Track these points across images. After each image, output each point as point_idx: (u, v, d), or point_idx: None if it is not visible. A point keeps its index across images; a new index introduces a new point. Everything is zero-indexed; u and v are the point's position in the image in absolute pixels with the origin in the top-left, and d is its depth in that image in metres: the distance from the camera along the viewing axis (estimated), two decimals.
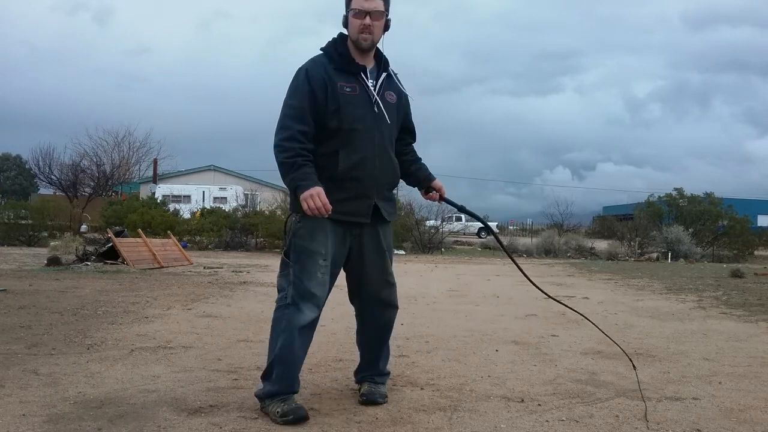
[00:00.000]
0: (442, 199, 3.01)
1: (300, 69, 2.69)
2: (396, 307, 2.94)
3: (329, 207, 2.53)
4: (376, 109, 2.70)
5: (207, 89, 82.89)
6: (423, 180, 2.98)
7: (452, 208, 3.48)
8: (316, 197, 2.51)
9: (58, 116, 69.10)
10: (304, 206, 2.53)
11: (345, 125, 2.64)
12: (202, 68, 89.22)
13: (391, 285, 2.89)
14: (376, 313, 2.87)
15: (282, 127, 2.62)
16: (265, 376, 2.70)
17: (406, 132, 2.96)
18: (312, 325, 2.68)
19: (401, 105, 2.86)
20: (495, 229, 36.40)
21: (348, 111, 2.64)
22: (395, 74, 2.85)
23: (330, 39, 2.77)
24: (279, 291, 2.77)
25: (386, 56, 2.82)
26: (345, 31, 2.74)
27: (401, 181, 2.97)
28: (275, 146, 2.63)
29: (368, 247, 2.78)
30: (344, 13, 2.70)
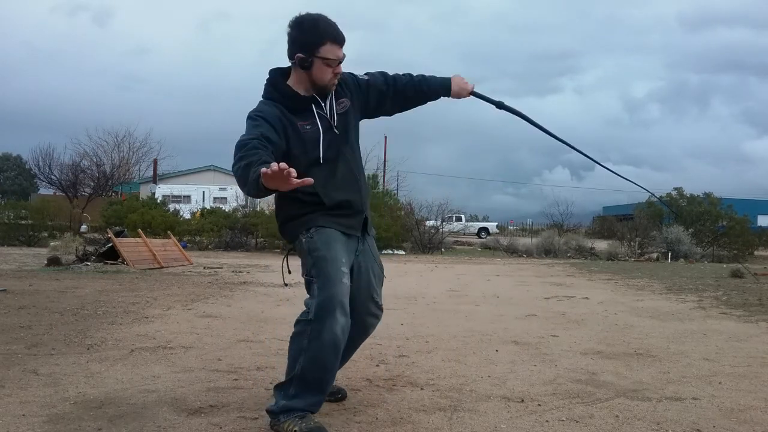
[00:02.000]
0: (472, 94, 2.83)
1: (252, 112, 2.50)
2: (368, 334, 2.86)
3: (286, 167, 2.04)
4: (337, 131, 2.59)
5: (207, 89, 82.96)
6: (440, 88, 2.80)
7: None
8: (273, 165, 2.04)
9: (58, 116, 69.13)
10: (267, 182, 2.08)
11: (313, 161, 2.52)
12: (201, 69, 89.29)
13: (378, 307, 2.84)
14: (360, 321, 2.71)
15: (235, 159, 2.32)
16: (280, 389, 2.48)
17: (380, 85, 2.75)
18: (345, 331, 2.43)
19: (359, 98, 2.71)
20: (495, 230, 36.45)
21: (315, 149, 2.53)
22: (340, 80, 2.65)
23: (264, 83, 2.60)
24: (305, 308, 2.54)
25: None
26: (285, 65, 2.57)
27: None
28: (234, 174, 2.32)
29: (364, 265, 2.72)
30: (301, 55, 2.47)
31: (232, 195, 28.99)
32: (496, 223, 39.06)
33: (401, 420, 2.64)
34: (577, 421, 2.67)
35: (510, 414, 2.76)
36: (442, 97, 2.85)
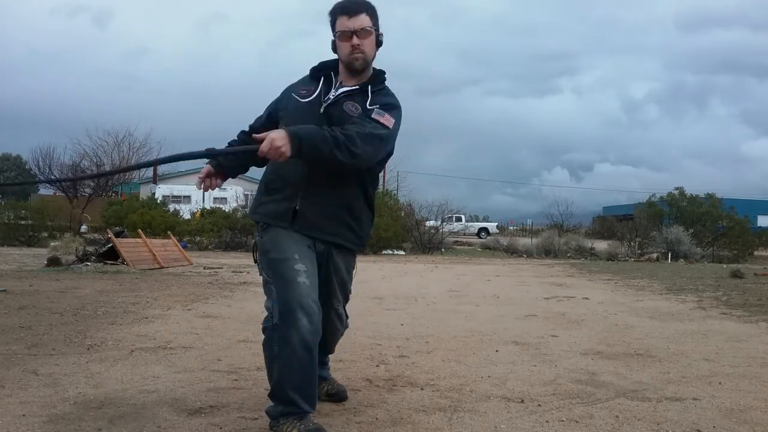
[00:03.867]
0: None
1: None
2: (342, 322, 2.79)
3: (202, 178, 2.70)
4: (321, 110, 2.52)
5: (206, 90, 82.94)
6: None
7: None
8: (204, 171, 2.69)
9: (58, 116, 69.15)
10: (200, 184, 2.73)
11: (281, 120, 2.58)
12: (201, 70, 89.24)
13: (339, 315, 2.73)
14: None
15: None
16: (272, 396, 2.45)
17: None
18: (313, 332, 2.36)
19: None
20: (495, 230, 36.46)
21: (289, 110, 2.57)
22: (381, 90, 2.59)
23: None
24: (267, 312, 2.48)
25: (385, 73, 2.64)
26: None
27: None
28: None
29: (330, 273, 2.62)
30: (332, 37, 2.56)
31: (232, 195, 28.97)
32: (496, 224, 39.03)
33: (401, 420, 2.64)
34: (577, 422, 2.67)
35: (510, 414, 2.76)
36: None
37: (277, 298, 2.37)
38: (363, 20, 2.50)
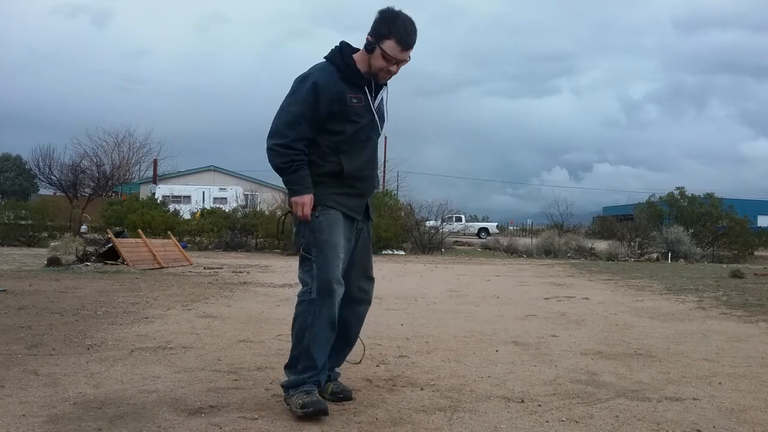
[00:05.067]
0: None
1: (305, 77, 2.73)
2: (369, 303, 3.03)
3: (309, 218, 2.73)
4: (377, 119, 2.85)
5: (206, 90, 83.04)
6: None
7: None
8: (306, 206, 2.70)
9: (58, 117, 69.21)
10: (295, 210, 2.72)
11: (350, 131, 2.75)
12: (201, 70, 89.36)
13: (371, 280, 3.01)
14: (353, 306, 2.93)
15: (277, 132, 2.71)
16: (289, 367, 2.75)
17: None
18: (334, 319, 2.74)
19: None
20: (495, 230, 36.47)
21: (355, 120, 2.76)
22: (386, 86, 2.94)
23: (333, 47, 2.82)
24: (303, 285, 2.79)
25: None
26: (352, 44, 2.82)
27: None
28: (269, 149, 2.72)
29: (361, 242, 2.93)
30: (370, 38, 2.72)
31: (232, 195, 29.00)
32: (496, 224, 39.02)
33: (401, 420, 2.64)
34: (577, 422, 2.67)
35: (510, 414, 2.76)
36: None
37: (318, 276, 2.69)
38: (409, 54, 2.75)
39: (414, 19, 2.73)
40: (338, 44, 2.83)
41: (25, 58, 77.00)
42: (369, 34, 2.73)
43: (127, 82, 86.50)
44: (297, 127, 2.68)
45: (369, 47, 2.72)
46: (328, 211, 2.73)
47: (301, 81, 2.73)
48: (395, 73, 2.79)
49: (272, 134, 2.71)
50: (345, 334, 2.95)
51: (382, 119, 2.89)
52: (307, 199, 2.70)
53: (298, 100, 2.69)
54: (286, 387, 2.72)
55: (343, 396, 2.89)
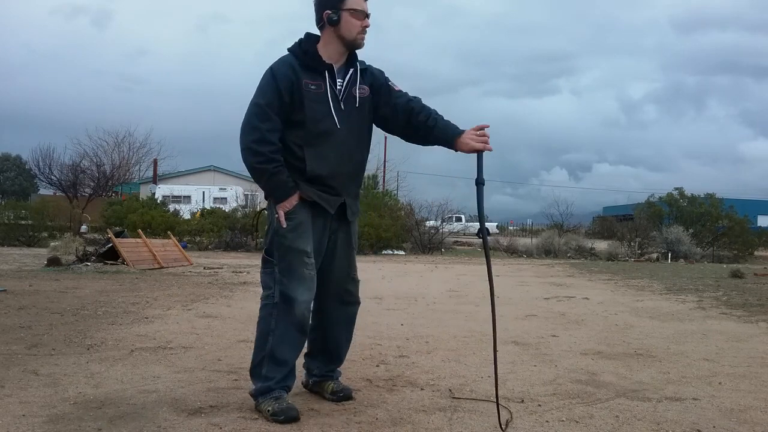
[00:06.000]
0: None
1: (267, 69, 2.67)
2: (358, 303, 2.97)
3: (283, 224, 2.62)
4: (342, 107, 2.68)
5: (206, 90, 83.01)
6: (445, 140, 2.73)
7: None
8: (281, 220, 2.61)
9: (58, 117, 69.18)
10: (280, 216, 2.61)
11: (309, 123, 2.62)
12: (201, 70, 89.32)
13: (356, 282, 2.92)
14: (342, 308, 2.89)
15: (250, 127, 2.59)
16: (254, 374, 2.69)
17: (402, 105, 2.78)
18: (303, 322, 2.67)
19: (379, 92, 2.79)
20: (495, 230, 36.45)
21: (312, 108, 2.62)
22: (367, 68, 2.79)
23: (297, 40, 2.73)
24: (264, 288, 2.72)
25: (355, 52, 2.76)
26: (315, 32, 2.72)
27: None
28: (244, 149, 2.60)
29: (340, 243, 2.81)
30: (328, 12, 2.63)
31: (232, 195, 29.00)
32: (496, 224, 38.97)
33: (401, 420, 2.64)
34: (577, 422, 2.67)
35: (510, 414, 2.75)
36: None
37: (281, 280, 2.62)
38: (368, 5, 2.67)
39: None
40: (303, 36, 2.73)
41: (25, 58, 77.01)
42: (322, 11, 2.65)
43: (127, 82, 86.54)
44: (267, 117, 2.57)
45: (334, 18, 2.62)
46: (294, 215, 2.62)
47: (264, 74, 2.66)
48: (369, 26, 2.68)
49: (245, 130, 2.60)
50: (338, 336, 2.92)
51: (363, 101, 2.72)
52: (290, 204, 2.60)
53: (261, 91, 2.62)
54: (254, 395, 2.66)
55: (343, 395, 2.88)
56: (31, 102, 69.45)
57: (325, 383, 2.92)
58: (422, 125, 2.76)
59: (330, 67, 2.67)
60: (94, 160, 36.76)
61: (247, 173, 2.88)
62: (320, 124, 2.63)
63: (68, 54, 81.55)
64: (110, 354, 3.78)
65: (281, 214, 2.60)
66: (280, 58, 2.69)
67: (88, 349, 3.91)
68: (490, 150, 2.68)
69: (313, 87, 2.62)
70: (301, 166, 2.63)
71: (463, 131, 2.71)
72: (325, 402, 2.85)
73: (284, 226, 2.60)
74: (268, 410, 2.56)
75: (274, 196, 2.62)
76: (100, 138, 38.22)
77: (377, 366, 3.62)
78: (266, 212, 2.77)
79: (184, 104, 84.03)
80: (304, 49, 2.67)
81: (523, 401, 2.95)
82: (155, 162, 38.58)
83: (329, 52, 2.68)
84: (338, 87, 2.69)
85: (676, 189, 29.60)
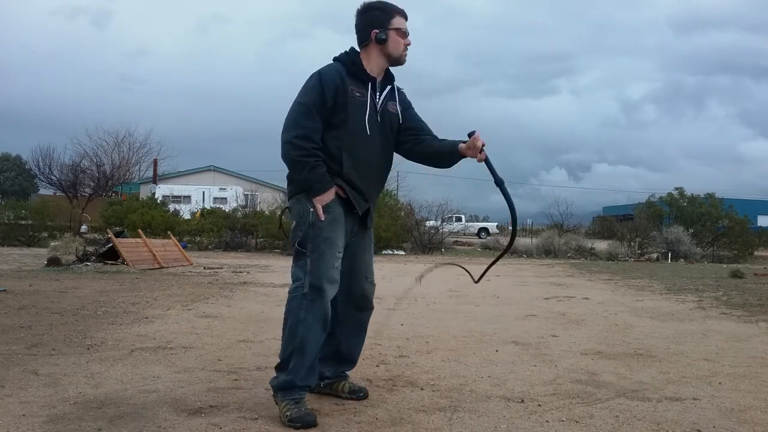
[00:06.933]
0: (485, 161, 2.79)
1: (313, 73, 2.77)
2: (372, 309, 3.01)
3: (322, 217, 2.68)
4: (378, 118, 2.81)
5: (206, 90, 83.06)
6: (451, 151, 2.84)
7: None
8: (319, 213, 2.67)
9: (58, 117, 69.18)
10: (317, 209, 2.66)
11: (350, 127, 2.73)
12: (201, 70, 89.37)
13: (372, 285, 2.98)
14: (353, 315, 2.93)
15: (294, 124, 2.67)
16: (281, 367, 2.68)
17: (418, 128, 2.96)
18: (327, 317, 2.70)
19: (405, 111, 2.94)
20: (495, 230, 36.47)
21: (354, 114, 2.74)
22: (399, 88, 2.95)
23: (343, 51, 2.87)
24: (294, 281, 2.74)
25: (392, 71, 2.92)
26: (357, 48, 2.85)
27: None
28: (287, 142, 2.67)
29: (360, 245, 2.89)
30: (376, 31, 2.76)
31: (232, 195, 29.00)
32: (496, 224, 38.96)
33: (401, 420, 2.64)
34: (577, 422, 2.67)
35: (510, 414, 2.76)
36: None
37: (311, 272, 2.65)
38: None
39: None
40: (349, 49, 2.87)
41: (25, 58, 77.03)
42: (369, 30, 2.78)
43: (127, 82, 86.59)
44: (311, 116, 2.67)
45: (382, 37, 2.77)
46: (331, 209, 2.70)
47: (309, 77, 2.76)
48: (410, 44, 2.84)
49: (288, 127, 2.67)
50: (350, 340, 2.96)
51: (393, 117, 2.87)
52: (328, 197, 2.67)
53: (307, 92, 2.71)
54: (276, 389, 2.67)
55: (362, 394, 2.93)
56: (31, 102, 69.53)
57: (339, 383, 2.96)
58: (428, 154, 2.93)
59: (374, 80, 2.81)
60: (94, 160, 36.81)
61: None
62: (359, 130, 2.75)
63: (68, 54, 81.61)
64: (110, 354, 3.78)
65: (319, 207, 2.66)
66: (328, 65, 2.80)
67: (88, 349, 3.91)
68: (480, 161, 2.78)
69: (357, 95, 2.75)
70: (337, 168, 2.72)
71: (462, 142, 2.82)
72: (324, 402, 2.85)
73: (322, 218, 2.66)
74: (287, 415, 2.54)
75: (314, 189, 2.66)
76: (100, 138, 38.27)
77: (377, 366, 3.63)
78: (289, 210, 2.82)
79: (184, 104, 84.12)
80: (352, 59, 2.80)
81: (523, 401, 2.96)
82: (155, 162, 38.59)
83: (371, 67, 2.81)
84: (377, 100, 2.82)
85: (676, 189, 29.66)
